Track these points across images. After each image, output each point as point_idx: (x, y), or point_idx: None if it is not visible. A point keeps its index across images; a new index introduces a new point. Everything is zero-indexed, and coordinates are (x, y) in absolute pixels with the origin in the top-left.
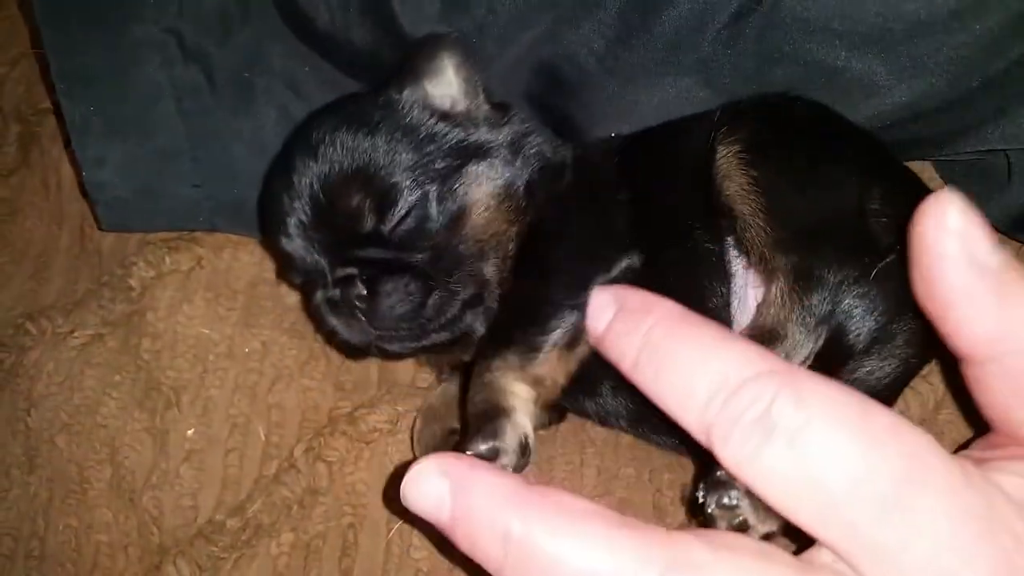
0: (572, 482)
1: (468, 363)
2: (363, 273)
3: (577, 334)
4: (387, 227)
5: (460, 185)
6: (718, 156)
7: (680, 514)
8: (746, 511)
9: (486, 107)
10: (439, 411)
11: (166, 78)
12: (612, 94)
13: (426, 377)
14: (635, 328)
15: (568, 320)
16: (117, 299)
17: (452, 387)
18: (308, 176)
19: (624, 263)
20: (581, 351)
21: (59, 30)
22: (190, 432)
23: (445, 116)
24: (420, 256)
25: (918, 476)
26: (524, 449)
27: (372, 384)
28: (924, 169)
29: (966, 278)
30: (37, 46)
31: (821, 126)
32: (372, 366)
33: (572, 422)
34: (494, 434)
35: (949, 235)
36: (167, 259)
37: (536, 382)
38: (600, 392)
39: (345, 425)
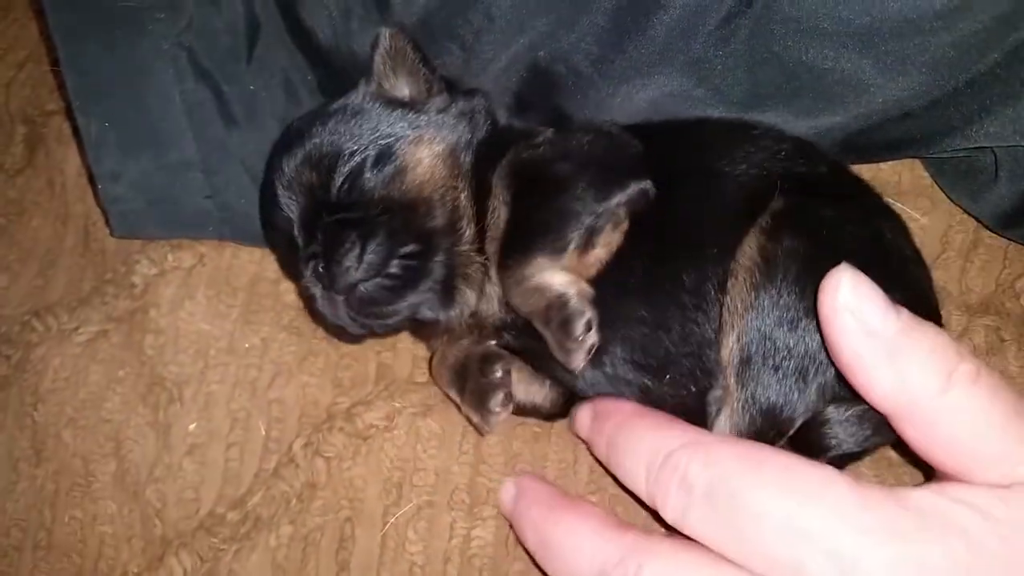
0: (565, 479)
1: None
2: (322, 244)
3: (593, 238)
4: (334, 193)
5: (398, 147)
6: (752, 235)
7: None
8: None
9: (437, 89)
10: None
11: (177, 92)
12: (606, 94)
13: (424, 373)
14: (601, 430)
15: (586, 226)
16: (121, 296)
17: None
18: (278, 166)
19: (640, 185)
20: (601, 256)
21: (74, 47)
22: (192, 426)
23: (396, 102)
24: (371, 214)
25: (813, 501)
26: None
27: (370, 380)
28: (914, 167)
29: (861, 346)
30: (51, 62)
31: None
32: (371, 363)
33: (565, 422)
34: (580, 312)
35: (843, 310)
36: (169, 257)
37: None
38: (608, 358)
39: (343, 421)
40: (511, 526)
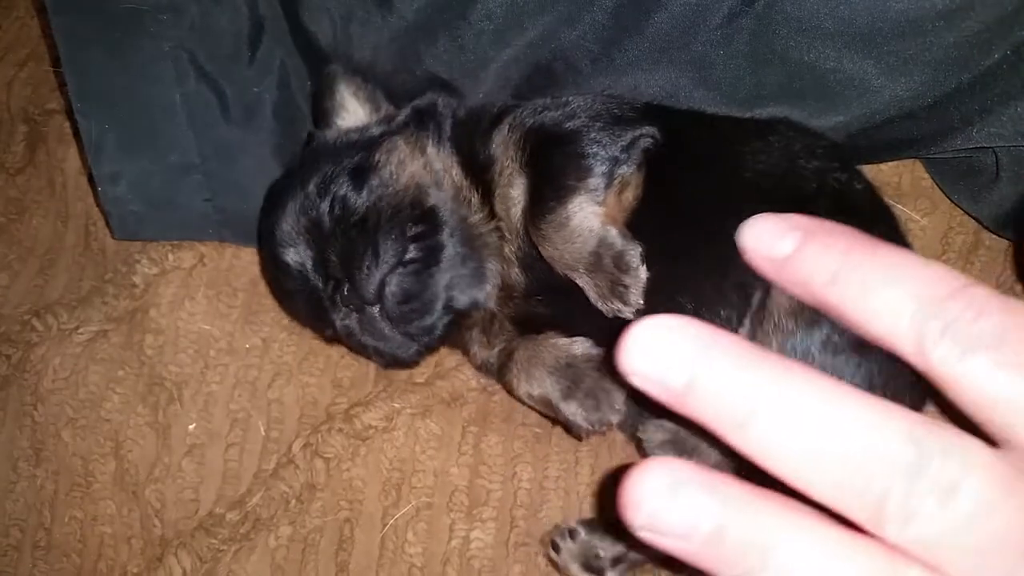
0: (567, 479)
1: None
2: (340, 269)
3: (623, 182)
4: (329, 225)
5: (370, 157)
6: None
7: None
8: None
9: (387, 106)
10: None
11: (179, 94)
12: (606, 89)
13: (423, 372)
14: (829, 248)
15: (609, 166)
16: (121, 296)
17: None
18: (273, 230)
19: (650, 128)
20: (629, 200)
21: (76, 48)
22: (191, 427)
23: (355, 129)
24: (371, 222)
25: None
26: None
27: (369, 381)
28: (915, 168)
29: None
30: (52, 62)
31: None
32: (371, 364)
33: None
34: (632, 246)
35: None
36: (170, 257)
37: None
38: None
39: (342, 422)
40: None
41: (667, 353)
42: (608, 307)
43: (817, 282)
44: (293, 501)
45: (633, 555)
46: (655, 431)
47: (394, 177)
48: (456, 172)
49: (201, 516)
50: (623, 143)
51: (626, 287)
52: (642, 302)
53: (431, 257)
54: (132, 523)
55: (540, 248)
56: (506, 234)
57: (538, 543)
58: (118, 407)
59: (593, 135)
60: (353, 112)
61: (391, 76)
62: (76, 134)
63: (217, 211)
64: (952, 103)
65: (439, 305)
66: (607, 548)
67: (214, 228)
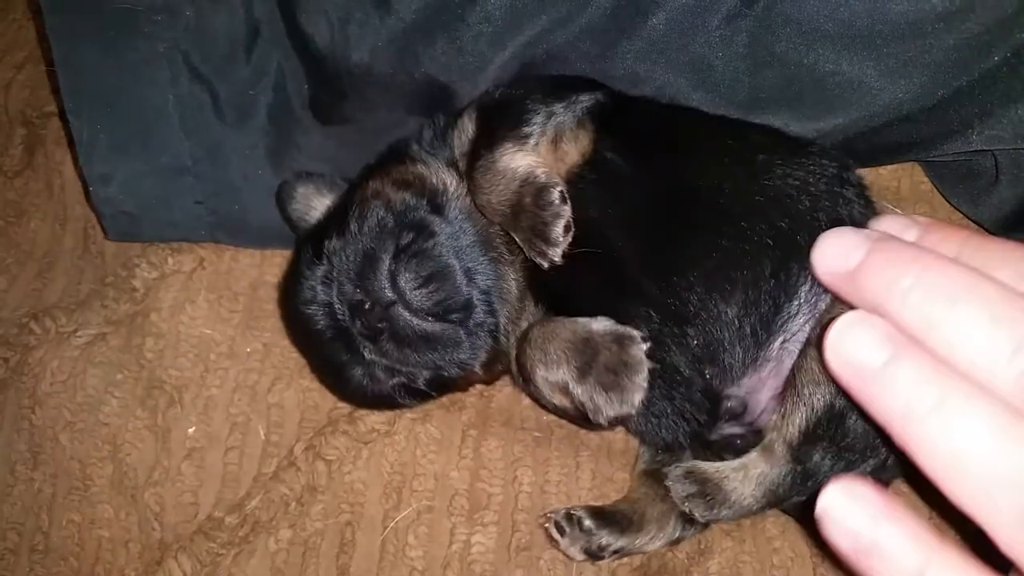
0: (567, 484)
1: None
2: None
3: (558, 133)
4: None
5: (347, 209)
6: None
7: None
8: None
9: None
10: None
11: (172, 95)
12: None
13: None
14: (899, 260)
15: (545, 116)
16: (121, 299)
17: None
18: (301, 322)
19: (598, 92)
20: (569, 155)
21: (69, 48)
22: (191, 430)
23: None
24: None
25: None
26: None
27: None
28: (914, 172)
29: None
30: (49, 63)
31: None
32: None
33: (567, 428)
34: (552, 182)
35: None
36: (170, 260)
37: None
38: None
39: (345, 425)
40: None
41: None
42: (535, 252)
43: (895, 291)
44: (293, 504)
45: (634, 550)
46: (682, 481)
47: (371, 205)
48: (436, 167)
49: (200, 520)
50: (562, 101)
51: (546, 224)
52: (562, 240)
53: (424, 232)
54: (130, 527)
55: (475, 199)
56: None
57: (540, 547)
58: (116, 410)
59: (534, 96)
60: (319, 205)
61: (389, 79)
62: (74, 137)
63: (210, 213)
64: (951, 106)
65: (458, 274)
66: (612, 541)
67: (207, 230)
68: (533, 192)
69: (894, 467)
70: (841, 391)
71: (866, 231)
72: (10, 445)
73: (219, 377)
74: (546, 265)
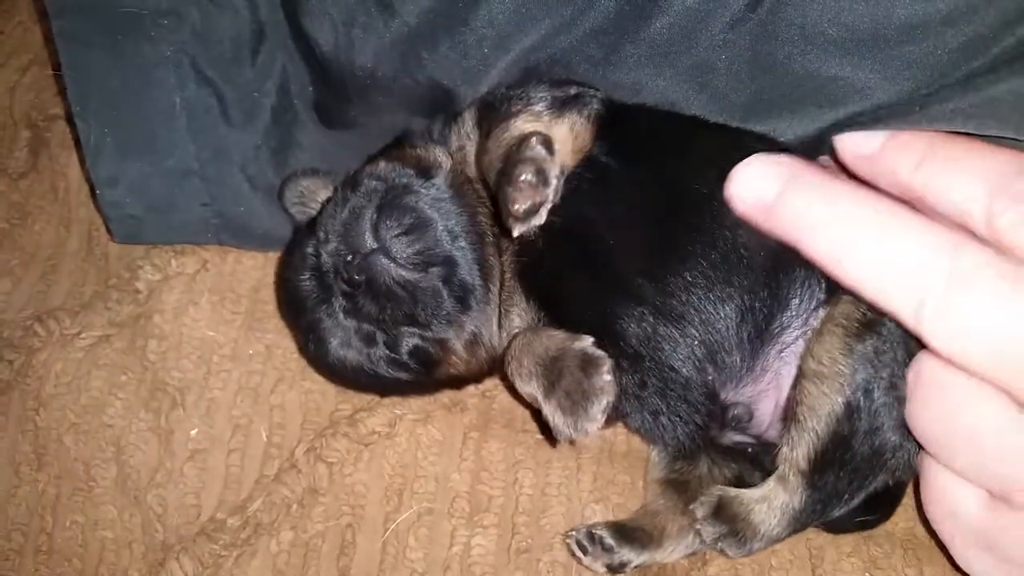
0: (569, 486)
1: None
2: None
3: (562, 107)
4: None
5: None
6: (831, 334)
7: None
8: None
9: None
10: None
11: (178, 98)
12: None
13: None
14: (908, 149)
15: (551, 99)
16: (124, 301)
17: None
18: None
19: (599, 92)
20: (571, 142)
21: (76, 51)
22: (194, 432)
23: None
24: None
25: None
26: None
27: None
28: None
29: None
30: (54, 66)
31: None
32: None
33: None
34: (542, 137)
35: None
36: (173, 262)
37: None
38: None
39: (346, 427)
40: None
41: (761, 178)
42: (506, 211)
43: (902, 172)
44: (295, 506)
45: (655, 563)
46: (713, 525)
47: (363, 174)
48: (435, 150)
49: (203, 521)
50: (565, 92)
51: (515, 165)
52: (527, 181)
53: (409, 190)
54: (133, 528)
55: (479, 165)
56: (477, 188)
57: (540, 549)
58: (120, 412)
59: (537, 86)
60: (320, 198)
61: (392, 82)
62: (79, 139)
63: (216, 215)
64: (947, 100)
65: (439, 228)
66: (634, 557)
67: (213, 232)
68: (518, 140)
69: (904, 469)
70: (842, 418)
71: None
72: (15, 446)
73: (222, 379)
74: (514, 233)
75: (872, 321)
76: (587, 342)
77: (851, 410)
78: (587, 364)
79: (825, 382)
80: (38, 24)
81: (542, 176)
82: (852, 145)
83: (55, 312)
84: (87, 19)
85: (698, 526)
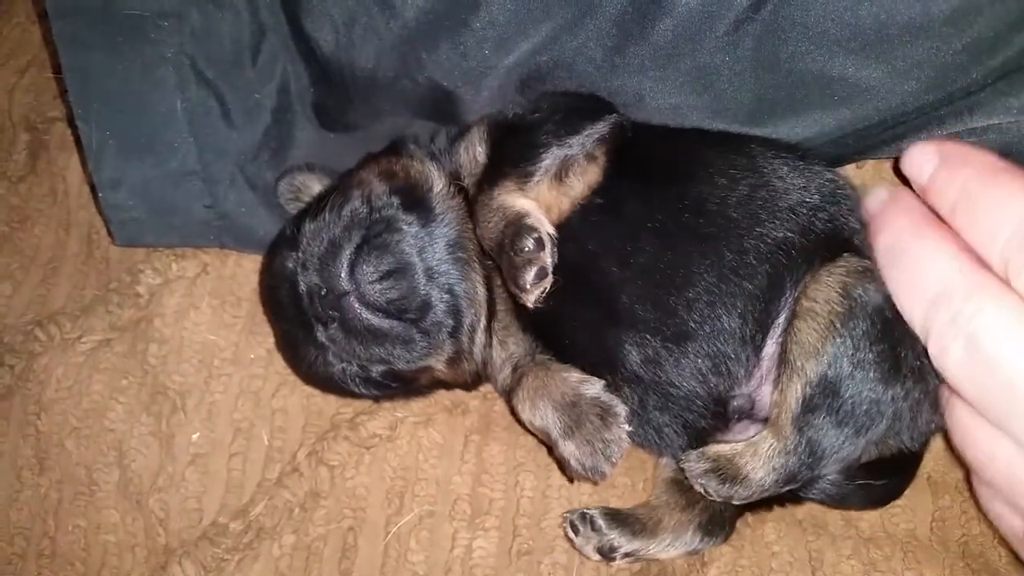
0: (569, 489)
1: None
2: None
3: (566, 167)
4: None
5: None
6: (824, 281)
7: None
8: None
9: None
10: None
11: (179, 101)
12: (608, 98)
13: None
14: (953, 179)
15: (556, 154)
16: (125, 305)
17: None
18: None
19: (614, 117)
20: (575, 188)
21: (77, 54)
22: (195, 436)
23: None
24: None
25: None
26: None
27: None
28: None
29: None
30: (54, 68)
31: None
32: None
33: None
34: (534, 226)
35: None
36: (173, 266)
37: (538, 201)
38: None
39: (347, 430)
40: None
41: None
42: (513, 288)
43: (943, 214)
44: (297, 510)
45: (647, 555)
46: (698, 460)
47: (351, 193)
48: (429, 167)
49: (205, 525)
50: (577, 135)
51: (516, 269)
52: (529, 281)
53: (392, 228)
54: (136, 532)
55: (475, 227)
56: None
57: (541, 552)
58: (122, 416)
59: (548, 126)
60: (314, 191)
61: (393, 83)
62: (78, 142)
63: (218, 217)
64: (953, 99)
65: (418, 273)
66: (624, 543)
67: (215, 234)
68: (512, 235)
69: (908, 433)
70: (832, 358)
71: (937, 148)
72: (17, 451)
73: (223, 383)
74: (529, 306)
75: (875, 271)
76: (598, 387)
77: (843, 349)
78: (606, 413)
79: (817, 319)
80: (36, 25)
81: (541, 275)
82: (909, 173)
83: (56, 316)
84: (87, 21)
85: (683, 463)
